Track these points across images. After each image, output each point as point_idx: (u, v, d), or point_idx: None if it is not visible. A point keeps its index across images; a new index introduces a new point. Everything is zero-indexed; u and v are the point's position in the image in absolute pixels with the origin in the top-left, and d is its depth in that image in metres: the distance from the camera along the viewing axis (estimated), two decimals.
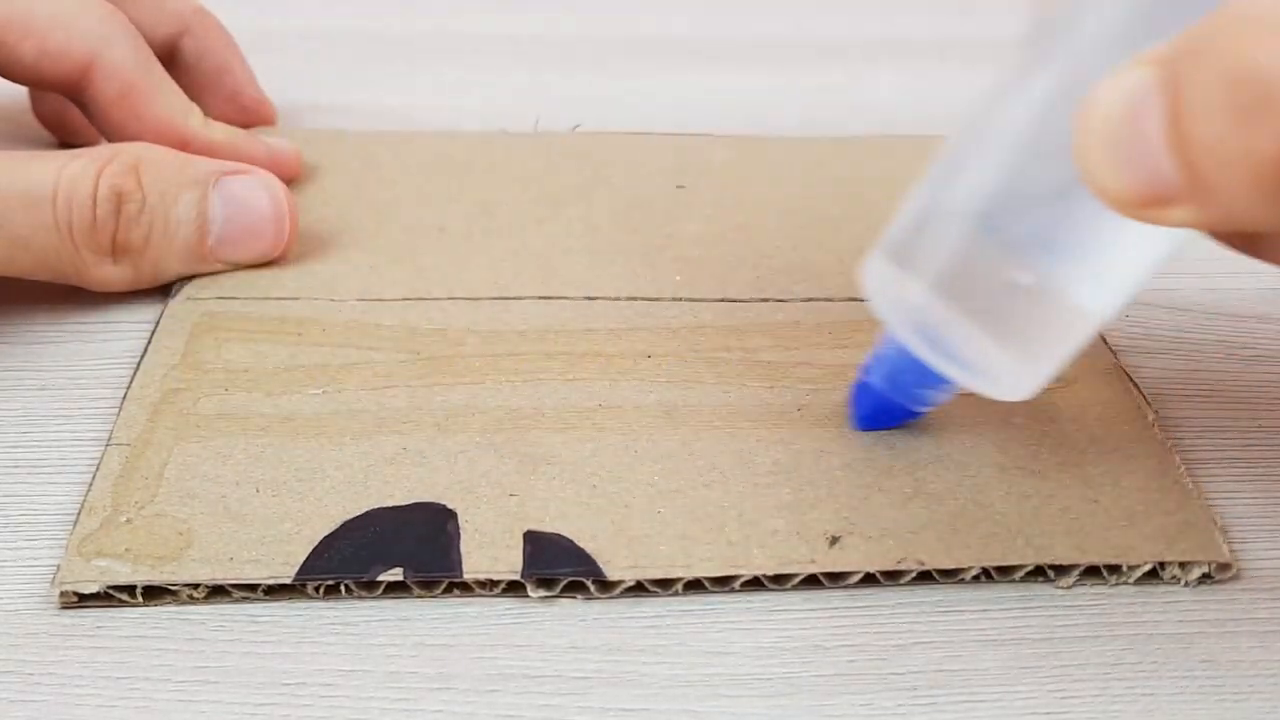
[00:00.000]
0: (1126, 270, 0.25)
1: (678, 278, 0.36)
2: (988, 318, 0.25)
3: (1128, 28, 0.23)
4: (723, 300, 0.35)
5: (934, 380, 0.28)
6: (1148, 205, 0.20)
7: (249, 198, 0.35)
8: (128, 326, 0.34)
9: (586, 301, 0.35)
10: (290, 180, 0.38)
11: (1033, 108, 0.24)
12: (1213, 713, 0.25)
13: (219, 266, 0.35)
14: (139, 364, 0.32)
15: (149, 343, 0.33)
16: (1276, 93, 0.18)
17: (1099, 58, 0.23)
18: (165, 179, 0.34)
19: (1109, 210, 0.21)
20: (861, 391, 0.30)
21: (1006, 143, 0.24)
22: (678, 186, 0.41)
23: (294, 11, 0.54)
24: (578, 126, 0.45)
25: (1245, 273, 0.38)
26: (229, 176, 0.35)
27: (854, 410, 0.31)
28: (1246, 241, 0.25)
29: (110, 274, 0.34)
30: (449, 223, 0.39)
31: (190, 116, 0.37)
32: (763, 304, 0.35)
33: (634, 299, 0.35)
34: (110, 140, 0.37)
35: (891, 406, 0.30)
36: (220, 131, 0.38)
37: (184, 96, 0.37)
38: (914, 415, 0.30)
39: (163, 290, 0.35)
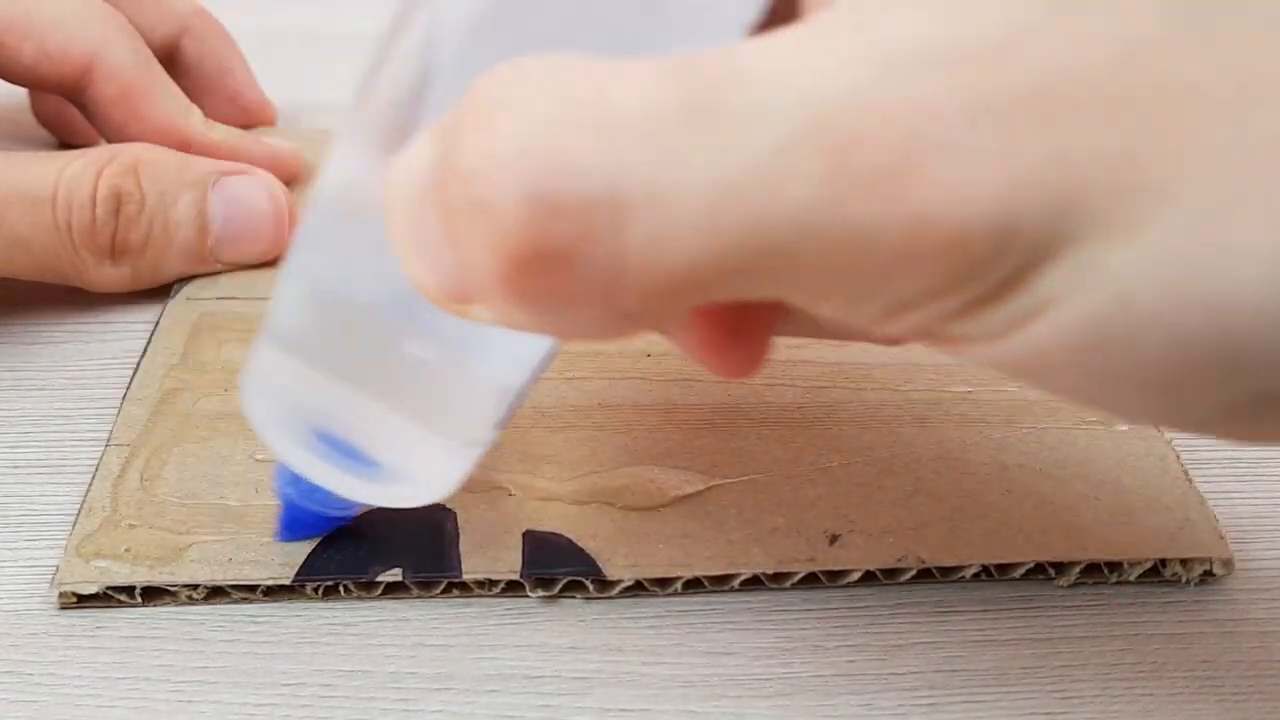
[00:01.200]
0: (525, 340, 0.22)
1: None
2: (398, 398, 0.23)
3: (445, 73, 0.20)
4: None
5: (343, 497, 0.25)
6: (454, 302, 0.18)
7: (248, 198, 0.35)
8: (128, 326, 0.34)
9: None
10: (290, 181, 0.38)
11: (350, 174, 0.21)
12: (1212, 713, 0.25)
13: (218, 267, 0.35)
14: (139, 364, 0.32)
15: (149, 343, 0.33)
16: (481, 193, 0.16)
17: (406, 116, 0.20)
18: (165, 179, 0.34)
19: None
20: (281, 502, 0.27)
21: (346, 216, 0.22)
22: None
23: (294, 11, 0.54)
24: None
25: None
26: (228, 177, 0.35)
27: (278, 522, 0.27)
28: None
29: (110, 275, 0.34)
30: None
31: (191, 117, 0.37)
32: None
33: None
34: (110, 141, 0.37)
35: (309, 516, 0.27)
36: (221, 132, 0.38)
37: (184, 97, 0.37)
38: (340, 521, 0.27)
39: (162, 290, 0.35)
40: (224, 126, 0.38)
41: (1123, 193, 0.15)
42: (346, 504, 0.26)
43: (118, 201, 0.33)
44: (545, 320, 0.17)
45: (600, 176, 0.15)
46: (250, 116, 0.42)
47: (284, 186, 0.36)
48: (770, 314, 0.22)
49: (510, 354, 0.23)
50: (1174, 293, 0.15)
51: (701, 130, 0.15)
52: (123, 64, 0.36)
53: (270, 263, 0.36)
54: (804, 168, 0.15)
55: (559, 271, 0.16)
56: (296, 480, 0.25)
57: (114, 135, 0.36)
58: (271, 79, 0.44)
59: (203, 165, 0.35)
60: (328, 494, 0.25)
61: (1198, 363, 0.16)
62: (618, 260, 0.16)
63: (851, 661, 0.26)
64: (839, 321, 0.18)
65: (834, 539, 0.28)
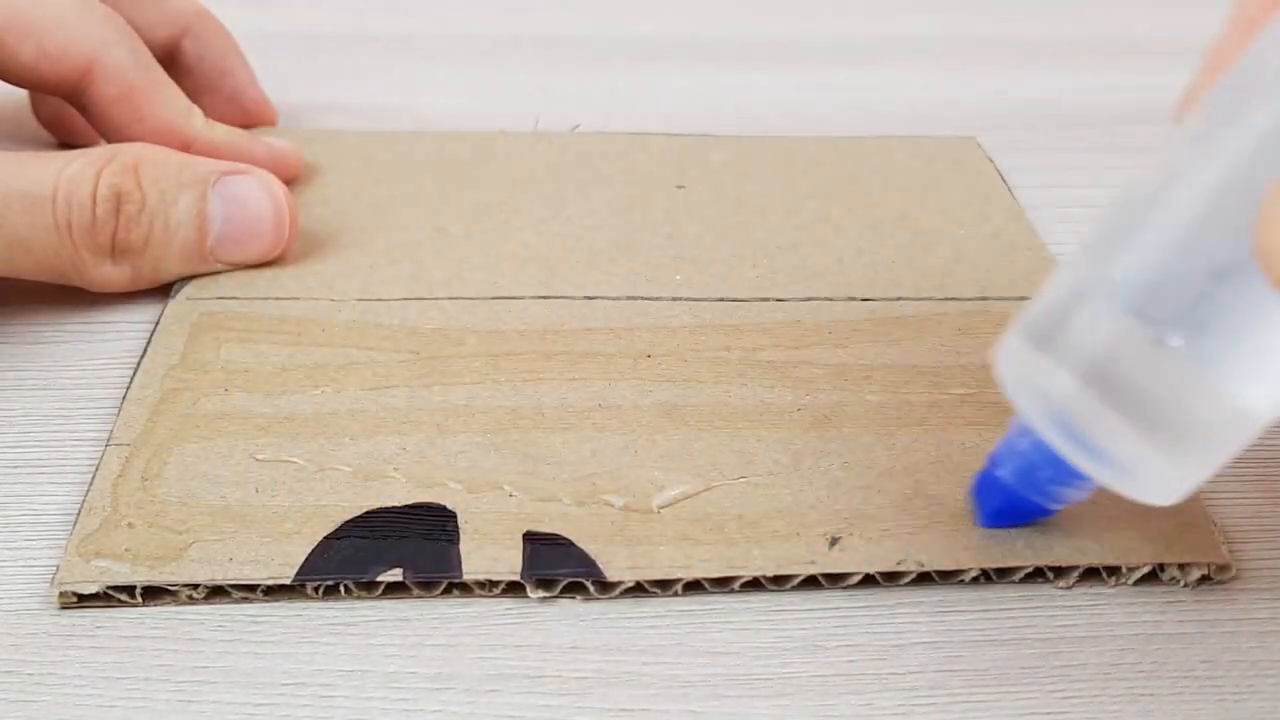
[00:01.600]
0: None
1: (678, 277, 0.36)
2: (1138, 413, 0.23)
3: None
4: (722, 300, 0.35)
5: (1072, 477, 0.26)
6: None
7: (249, 198, 0.35)
8: (128, 326, 0.34)
9: (586, 301, 0.35)
10: (291, 181, 0.38)
11: (1205, 191, 0.22)
12: (1212, 713, 0.25)
13: (219, 267, 0.35)
14: (139, 364, 0.32)
15: (149, 343, 0.33)
16: None
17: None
18: (165, 179, 0.34)
19: (1272, 304, 0.20)
20: (987, 484, 0.28)
21: (1171, 227, 0.22)
22: (678, 186, 0.41)
23: (294, 12, 0.54)
24: (578, 127, 0.45)
25: None
26: (228, 176, 0.35)
27: (979, 504, 0.28)
28: None
29: (110, 274, 0.34)
30: (448, 223, 0.39)
31: (191, 117, 0.37)
32: (762, 303, 0.35)
33: (634, 299, 0.35)
34: (111, 142, 0.37)
35: (1022, 503, 0.27)
36: (221, 132, 0.38)
37: (184, 98, 0.37)
38: (1047, 513, 0.28)
39: (163, 290, 0.35)
40: (225, 126, 0.38)
41: None
42: (1067, 496, 0.26)
43: (118, 201, 0.33)
44: None
45: None
46: (250, 117, 0.42)
47: (284, 186, 0.36)
48: None
49: (1266, 379, 0.22)
50: None
51: None
52: (123, 64, 0.36)
53: (270, 263, 0.36)
54: None
55: None
56: (1024, 467, 0.26)
57: (114, 136, 0.37)
58: (271, 79, 0.44)
59: (203, 165, 0.35)
60: (1052, 487, 0.26)
61: None
62: None
63: (851, 661, 0.26)
64: None
65: (834, 541, 0.28)
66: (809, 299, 0.36)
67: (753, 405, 0.31)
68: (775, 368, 0.33)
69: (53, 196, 0.32)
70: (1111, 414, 0.23)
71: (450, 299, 0.35)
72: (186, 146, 0.36)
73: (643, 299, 0.35)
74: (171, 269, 0.35)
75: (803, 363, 0.33)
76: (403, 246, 0.37)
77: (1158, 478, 0.24)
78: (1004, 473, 0.27)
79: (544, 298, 0.35)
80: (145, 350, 0.32)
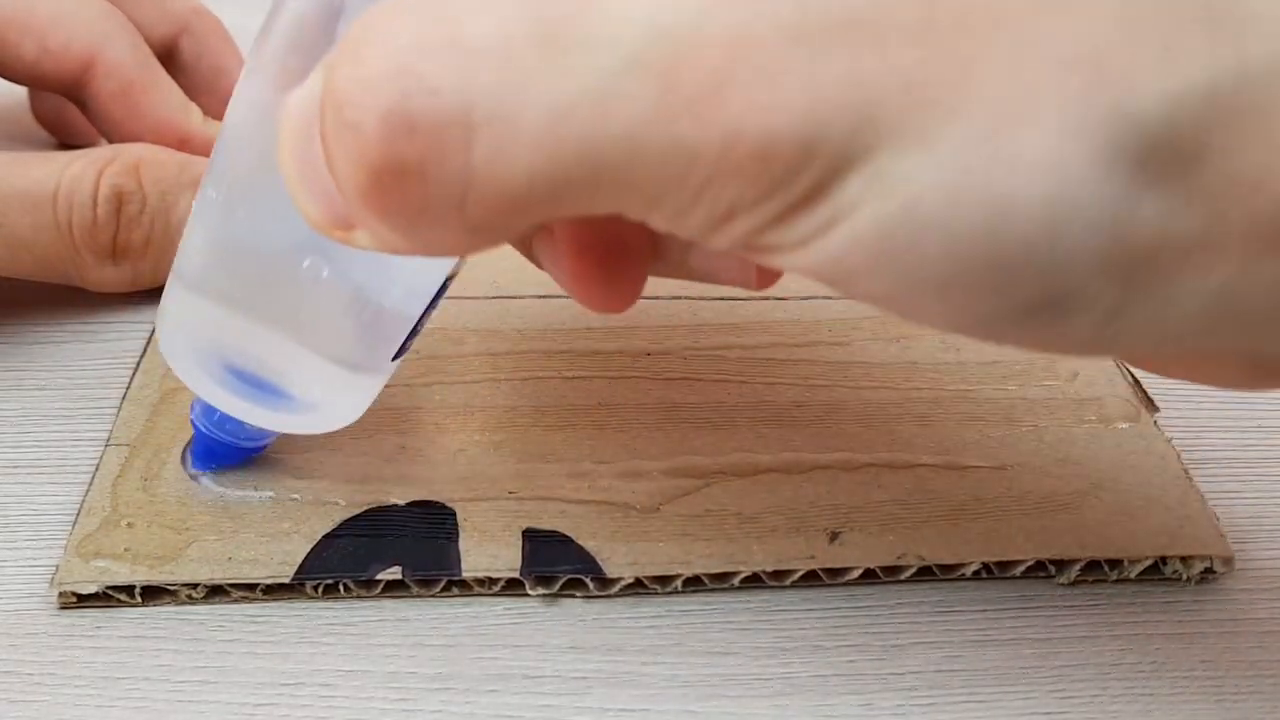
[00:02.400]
0: (412, 272, 0.24)
1: None
2: (298, 329, 0.24)
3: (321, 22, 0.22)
4: (721, 298, 0.35)
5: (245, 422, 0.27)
6: (336, 228, 0.20)
7: None
8: (128, 326, 0.34)
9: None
10: None
11: (253, 115, 0.23)
12: (1211, 712, 0.25)
13: None
14: (138, 364, 0.32)
15: (149, 343, 0.33)
16: (349, 116, 0.18)
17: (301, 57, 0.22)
18: (166, 179, 0.34)
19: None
20: (195, 433, 0.28)
21: (249, 156, 0.23)
22: None
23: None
24: None
25: None
26: None
27: (191, 449, 0.29)
28: (525, 252, 0.25)
29: (110, 275, 0.34)
30: None
31: (190, 114, 0.37)
32: (762, 302, 0.35)
33: (642, 297, 0.35)
34: (110, 139, 0.37)
35: (222, 446, 0.28)
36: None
37: (182, 94, 0.37)
38: (252, 452, 0.29)
39: (162, 290, 0.35)
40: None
41: (915, 108, 0.17)
42: (257, 435, 0.28)
43: (119, 201, 0.33)
44: (408, 235, 0.19)
45: (452, 97, 0.17)
46: None
47: None
48: (637, 252, 0.24)
49: (407, 287, 0.25)
50: (955, 198, 0.17)
51: (547, 56, 0.17)
52: (122, 60, 0.36)
53: None
54: (636, 90, 0.17)
55: (414, 185, 0.18)
56: (209, 412, 0.27)
57: (114, 132, 0.37)
58: None
59: (202, 165, 0.35)
60: (238, 425, 0.27)
61: (977, 265, 0.17)
62: (466, 174, 0.17)
63: (851, 661, 0.26)
64: (676, 235, 0.19)
65: (834, 536, 0.28)
66: (808, 297, 0.35)
67: (752, 402, 0.31)
68: (775, 365, 0.33)
69: (54, 196, 0.32)
70: (274, 338, 0.24)
71: (449, 298, 0.35)
72: (184, 143, 0.36)
73: (642, 298, 0.35)
74: (168, 265, 0.35)
75: (802, 360, 0.33)
76: None
77: (334, 397, 0.26)
78: (197, 420, 0.28)
79: (543, 297, 0.35)
80: (145, 350, 0.32)
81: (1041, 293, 0.17)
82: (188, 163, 0.34)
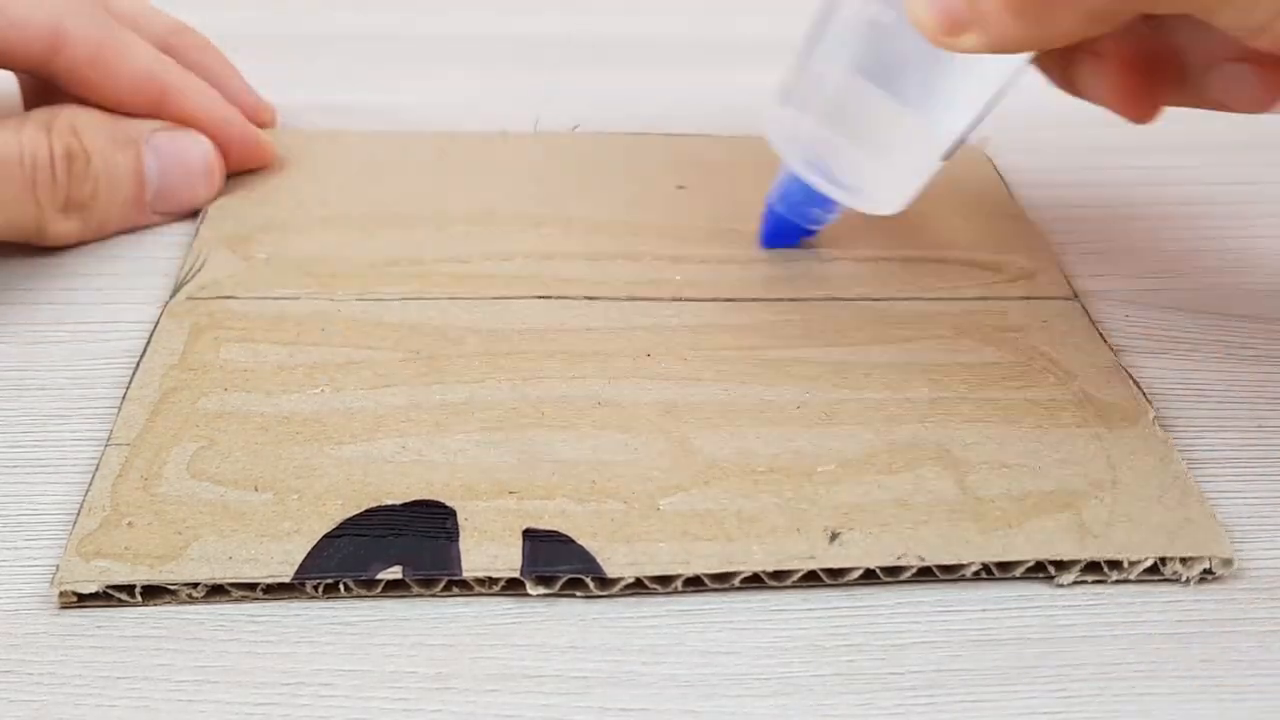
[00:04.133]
0: (965, 101, 0.31)
1: (678, 277, 0.36)
2: (861, 140, 0.32)
3: None
4: (721, 300, 0.35)
5: (821, 201, 0.35)
6: (948, 32, 0.25)
7: (181, 152, 0.38)
8: (127, 326, 0.34)
9: (586, 301, 0.35)
10: (258, 161, 0.40)
11: None
12: (1211, 712, 0.25)
13: (156, 219, 0.38)
14: (138, 363, 0.32)
15: (148, 342, 0.33)
16: None
17: None
18: (100, 137, 0.36)
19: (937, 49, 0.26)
20: (767, 216, 0.37)
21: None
22: (678, 187, 0.41)
23: (295, 12, 0.54)
24: (577, 127, 0.45)
25: (1246, 272, 0.38)
26: (160, 133, 0.37)
27: (761, 232, 0.38)
28: (1062, 74, 0.30)
29: (64, 229, 0.36)
30: (448, 223, 0.39)
31: (166, 66, 0.38)
32: (762, 303, 0.35)
33: (634, 299, 0.35)
34: (88, 104, 0.37)
35: (789, 226, 0.37)
36: (194, 80, 0.39)
37: (154, 50, 0.38)
38: (809, 233, 0.37)
39: (162, 290, 0.35)
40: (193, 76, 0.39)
41: None
42: (821, 217, 0.36)
43: (69, 160, 0.35)
44: (1033, 23, 0.24)
45: None
46: (251, 119, 0.42)
47: (211, 142, 0.38)
48: (1168, 73, 0.30)
49: (957, 105, 0.31)
50: None
51: None
52: (86, 27, 0.36)
53: (271, 262, 0.36)
54: None
55: None
56: (787, 197, 0.36)
57: (91, 97, 0.37)
58: (272, 79, 0.44)
59: (135, 124, 0.37)
60: (808, 210, 0.36)
61: None
62: None
63: (851, 661, 0.26)
64: (1231, 31, 0.24)
65: (834, 537, 0.28)
66: (808, 299, 0.36)
67: (753, 403, 0.31)
68: (776, 366, 0.33)
69: (19, 160, 0.34)
70: (842, 143, 0.32)
71: (450, 298, 0.35)
72: (164, 95, 0.38)
73: (643, 299, 0.35)
74: (116, 221, 0.37)
75: (803, 361, 0.33)
76: (402, 245, 0.37)
77: (880, 191, 0.33)
78: (775, 204, 0.37)
79: (544, 298, 0.35)
80: (145, 350, 0.32)
81: None
82: (118, 122, 0.37)
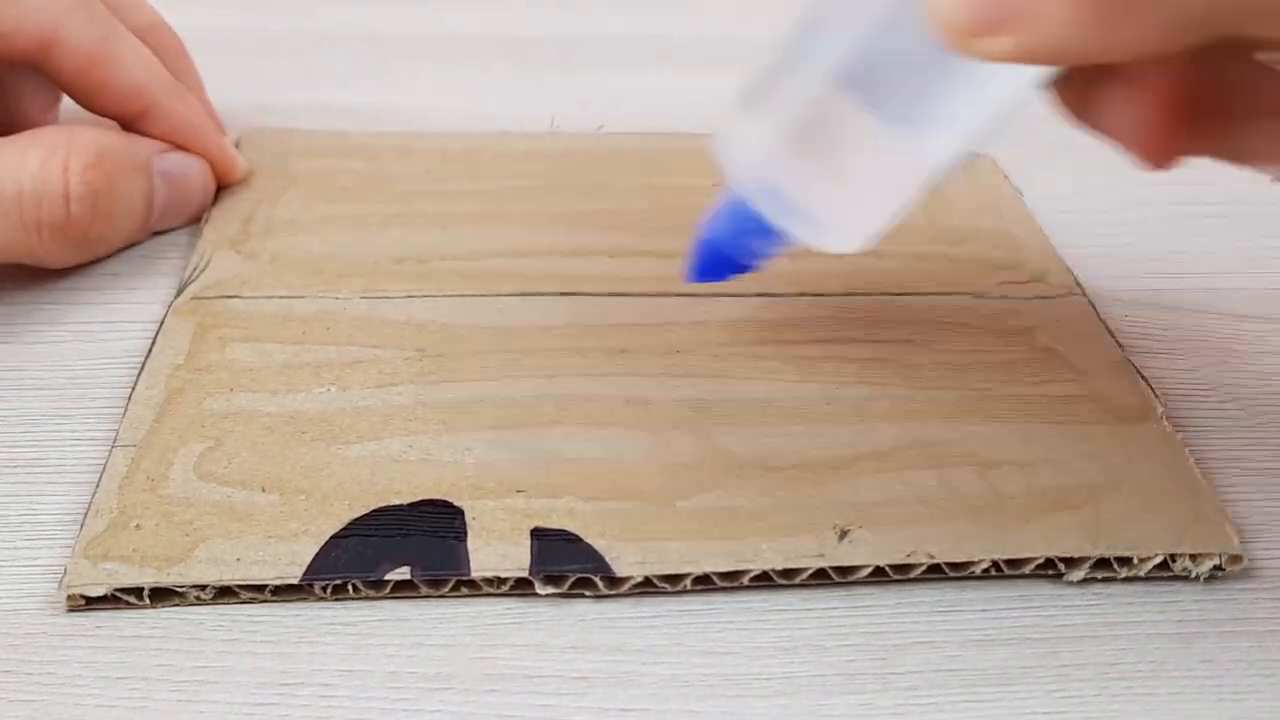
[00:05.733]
0: (962, 121, 0.26)
1: None
2: (832, 161, 0.26)
3: None
4: (754, 295, 0.35)
5: (768, 233, 0.28)
6: (978, 34, 0.20)
7: (184, 173, 0.38)
8: (129, 326, 0.34)
9: (612, 298, 0.35)
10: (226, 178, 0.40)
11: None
12: (1212, 712, 0.25)
13: (149, 236, 0.38)
14: (143, 364, 0.32)
15: (153, 343, 0.33)
16: None
17: None
18: (122, 164, 0.35)
19: (946, 59, 0.22)
20: (698, 247, 0.30)
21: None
22: (713, 185, 0.41)
23: (296, 12, 0.54)
24: (602, 127, 0.44)
25: (1245, 273, 0.38)
26: (166, 156, 0.37)
27: (691, 263, 0.30)
28: (1080, 102, 0.26)
29: (71, 256, 0.35)
30: (456, 220, 0.38)
31: (157, 79, 0.37)
32: (797, 298, 0.35)
33: (663, 295, 0.35)
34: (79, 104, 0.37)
35: (723, 260, 0.30)
36: (182, 92, 0.38)
37: (148, 56, 0.37)
38: (745, 269, 0.30)
39: (163, 290, 0.35)
40: (185, 90, 0.39)
41: None
42: (764, 251, 0.29)
43: (94, 199, 0.34)
44: (1093, 31, 0.20)
45: None
46: None
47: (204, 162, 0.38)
48: (1207, 116, 0.25)
49: (938, 134, 0.26)
50: None
51: None
52: (80, 38, 0.35)
53: (274, 261, 0.36)
54: None
55: None
56: (728, 225, 0.29)
57: (83, 102, 0.37)
58: (272, 79, 0.44)
59: (143, 145, 0.36)
60: (751, 241, 0.29)
61: None
62: None
63: (851, 661, 0.26)
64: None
65: (843, 534, 0.28)
66: (841, 294, 0.35)
67: (782, 400, 0.31)
68: (806, 362, 0.33)
69: (19, 198, 0.32)
70: (805, 163, 0.26)
71: (458, 296, 0.35)
72: (148, 110, 0.37)
73: (674, 295, 0.35)
74: (119, 245, 0.37)
75: (832, 357, 0.33)
76: (407, 243, 0.37)
77: (845, 224, 0.27)
78: (715, 236, 0.29)
79: (567, 294, 0.35)
80: (150, 350, 0.32)
81: None
82: (131, 144, 0.36)
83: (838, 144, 0.26)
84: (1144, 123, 0.24)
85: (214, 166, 0.39)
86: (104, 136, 0.35)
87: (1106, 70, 0.24)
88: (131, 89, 0.37)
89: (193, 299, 0.34)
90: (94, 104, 0.36)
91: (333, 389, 0.31)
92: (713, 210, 0.29)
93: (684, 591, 0.27)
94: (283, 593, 0.27)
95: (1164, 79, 0.23)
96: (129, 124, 0.37)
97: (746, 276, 0.29)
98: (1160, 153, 0.24)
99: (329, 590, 0.27)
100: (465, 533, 0.27)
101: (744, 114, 0.27)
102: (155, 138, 0.37)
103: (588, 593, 0.27)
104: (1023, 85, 0.25)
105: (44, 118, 0.38)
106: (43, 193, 0.32)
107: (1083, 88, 0.25)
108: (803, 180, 0.27)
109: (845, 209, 0.27)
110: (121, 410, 0.30)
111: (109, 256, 0.36)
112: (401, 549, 0.27)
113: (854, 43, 0.25)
